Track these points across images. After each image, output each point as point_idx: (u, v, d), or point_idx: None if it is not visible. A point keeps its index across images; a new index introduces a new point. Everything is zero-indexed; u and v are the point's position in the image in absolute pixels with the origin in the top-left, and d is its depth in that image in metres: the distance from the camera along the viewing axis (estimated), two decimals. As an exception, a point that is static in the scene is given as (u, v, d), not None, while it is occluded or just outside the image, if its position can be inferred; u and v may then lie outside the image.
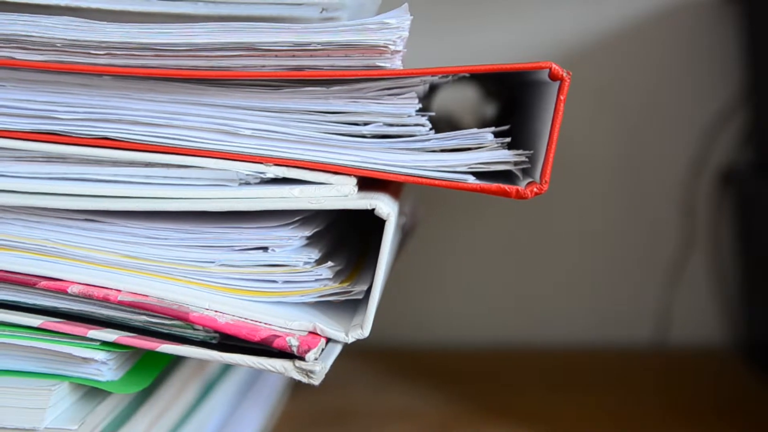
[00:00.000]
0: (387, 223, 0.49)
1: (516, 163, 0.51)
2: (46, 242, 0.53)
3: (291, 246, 0.51)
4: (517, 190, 0.49)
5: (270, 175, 0.51)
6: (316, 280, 0.52)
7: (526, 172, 0.52)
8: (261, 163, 0.51)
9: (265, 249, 0.52)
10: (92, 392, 0.53)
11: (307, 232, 0.52)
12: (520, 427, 0.75)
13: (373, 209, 0.49)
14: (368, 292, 0.51)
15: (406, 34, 0.49)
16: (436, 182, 0.50)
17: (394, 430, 0.76)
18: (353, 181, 0.51)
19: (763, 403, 0.81)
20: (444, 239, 1.02)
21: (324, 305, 0.53)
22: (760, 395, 0.83)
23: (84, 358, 0.51)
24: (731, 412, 0.79)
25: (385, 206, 0.49)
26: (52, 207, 0.52)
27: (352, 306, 0.53)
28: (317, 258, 0.52)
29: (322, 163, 0.51)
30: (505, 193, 0.49)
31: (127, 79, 0.51)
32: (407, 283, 1.01)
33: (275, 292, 0.52)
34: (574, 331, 1.01)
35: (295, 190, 0.50)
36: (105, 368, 0.51)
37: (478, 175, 0.51)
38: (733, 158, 0.97)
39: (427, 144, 0.50)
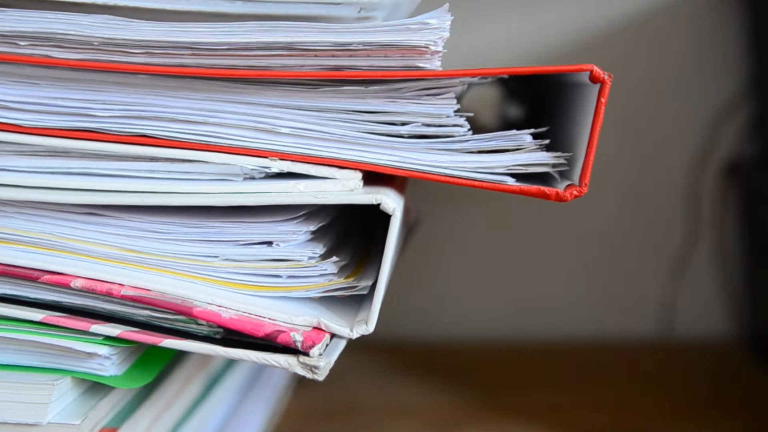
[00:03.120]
0: (393, 218, 0.49)
1: (554, 165, 0.51)
2: (49, 236, 0.52)
3: (296, 240, 0.51)
4: (557, 193, 0.49)
5: (275, 170, 0.51)
6: (321, 275, 0.51)
7: (561, 173, 0.52)
8: (266, 157, 0.50)
9: (269, 243, 0.51)
10: (95, 387, 0.53)
11: (312, 227, 0.51)
12: (524, 422, 0.75)
13: (379, 204, 0.49)
14: (373, 287, 0.51)
15: (447, 34, 0.48)
16: (476, 183, 0.50)
17: (398, 425, 0.76)
18: (359, 175, 0.50)
19: (767, 395, 0.80)
20: (448, 234, 1.01)
21: (328, 300, 0.52)
22: (765, 388, 0.83)
23: (87, 353, 0.50)
24: (735, 405, 0.79)
25: (390, 201, 0.49)
26: (55, 201, 0.52)
27: (357, 301, 0.53)
28: (322, 253, 0.51)
29: (361, 162, 0.50)
30: (545, 196, 0.49)
31: (163, 77, 0.51)
32: (411, 278, 1.01)
33: (280, 287, 0.52)
34: (578, 325, 1.01)
35: (300, 184, 0.50)
36: (108, 363, 0.51)
37: (514, 176, 0.50)
38: (737, 151, 0.97)
39: (465, 145, 0.50)
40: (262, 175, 0.51)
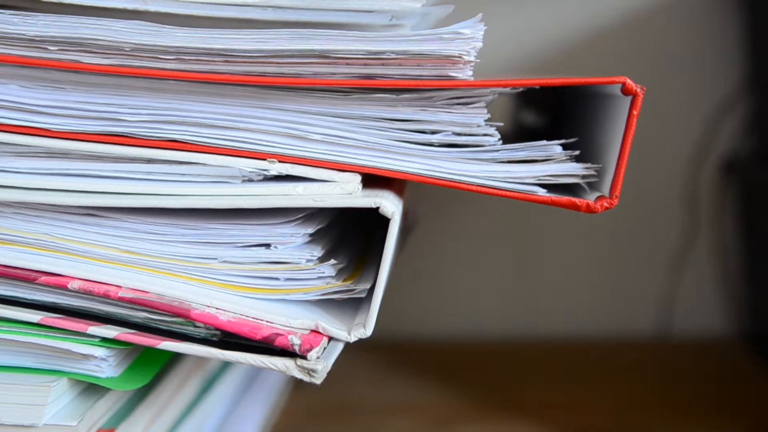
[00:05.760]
0: (391, 222, 0.49)
1: (583, 177, 0.51)
2: (46, 237, 0.52)
3: (293, 243, 0.51)
4: (588, 204, 0.49)
5: (273, 172, 0.50)
6: (319, 278, 0.51)
7: (589, 183, 0.52)
8: (264, 159, 0.50)
9: (267, 246, 0.51)
10: (91, 388, 0.53)
11: (310, 230, 0.51)
12: (522, 420, 0.75)
13: (378, 208, 0.49)
14: (371, 290, 0.51)
15: (480, 44, 0.48)
16: (507, 193, 0.50)
17: (395, 424, 0.76)
18: (358, 178, 0.50)
19: (766, 393, 0.81)
20: (445, 233, 1.01)
21: (326, 302, 0.52)
22: (764, 385, 0.83)
23: (84, 355, 0.50)
24: (734, 402, 0.79)
25: (390, 205, 0.49)
26: (53, 203, 0.52)
27: (355, 303, 0.53)
28: (320, 255, 0.51)
29: (393, 170, 0.51)
30: (576, 207, 0.49)
31: (193, 83, 0.51)
32: (409, 277, 1.00)
33: (277, 289, 0.51)
34: (577, 323, 1.01)
35: (299, 187, 0.50)
36: (105, 365, 0.51)
37: (543, 186, 0.51)
38: (735, 147, 0.97)
39: (496, 155, 0.50)
40: (261, 177, 0.51)
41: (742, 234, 0.96)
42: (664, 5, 0.96)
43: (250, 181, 0.51)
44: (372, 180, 0.51)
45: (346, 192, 0.50)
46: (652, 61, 0.97)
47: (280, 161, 0.50)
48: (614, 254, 1.00)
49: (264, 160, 0.50)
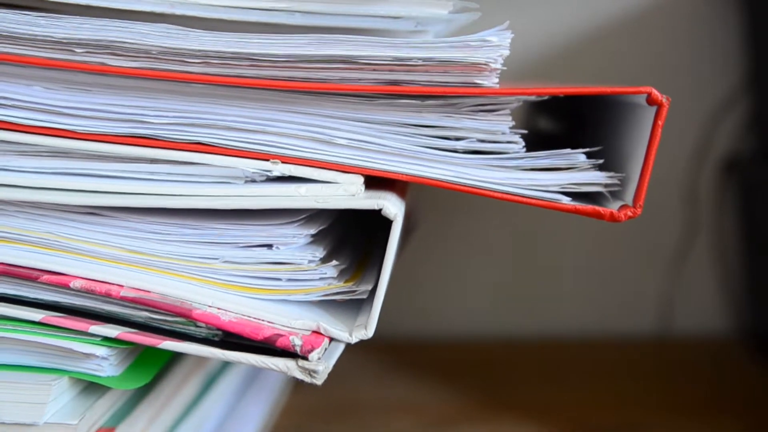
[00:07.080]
0: (394, 224, 0.49)
1: (606, 185, 0.51)
2: (49, 235, 0.52)
3: (296, 244, 0.51)
4: (611, 213, 0.49)
5: (276, 173, 0.50)
6: (321, 279, 0.51)
7: (611, 192, 0.52)
8: (267, 160, 0.50)
9: (269, 246, 0.51)
10: (92, 387, 0.53)
11: (312, 230, 0.51)
12: (522, 419, 0.75)
13: (380, 209, 0.49)
14: (372, 291, 0.51)
15: (507, 52, 0.49)
16: (531, 201, 0.50)
17: (396, 423, 0.76)
18: (360, 180, 0.50)
19: (766, 393, 0.81)
20: (445, 232, 1.01)
21: (327, 303, 0.52)
22: (764, 384, 0.83)
23: (85, 354, 0.50)
24: (734, 401, 0.79)
25: (392, 206, 0.49)
26: (56, 203, 0.52)
27: (356, 304, 0.53)
28: (322, 256, 0.51)
29: (418, 176, 0.51)
30: (599, 216, 0.50)
31: (219, 86, 0.51)
32: (409, 276, 1.00)
33: (279, 290, 0.51)
34: (577, 321, 1.01)
35: (302, 188, 0.50)
36: (106, 364, 0.51)
37: (565, 194, 0.51)
38: (736, 146, 0.97)
39: (520, 162, 0.50)
40: (264, 178, 0.51)
41: (742, 234, 0.96)
42: (664, 5, 0.96)
43: (253, 181, 0.51)
44: (374, 181, 0.52)
45: (348, 193, 0.50)
46: (652, 61, 0.97)
47: (283, 162, 0.50)
48: (614, 253, 1.00)
49: (267, 160, 0.50)
